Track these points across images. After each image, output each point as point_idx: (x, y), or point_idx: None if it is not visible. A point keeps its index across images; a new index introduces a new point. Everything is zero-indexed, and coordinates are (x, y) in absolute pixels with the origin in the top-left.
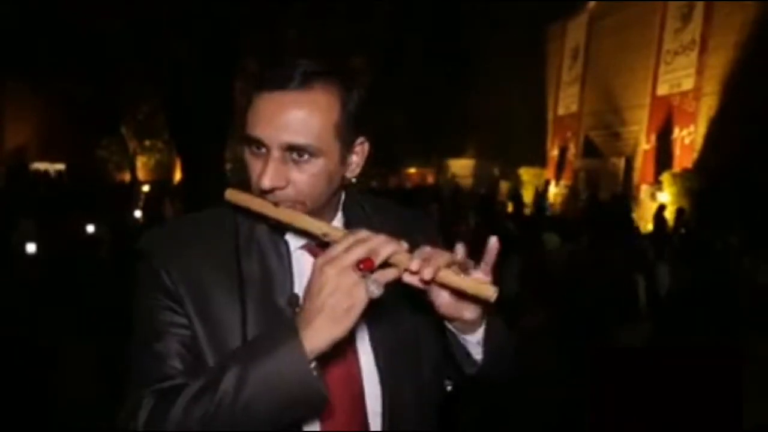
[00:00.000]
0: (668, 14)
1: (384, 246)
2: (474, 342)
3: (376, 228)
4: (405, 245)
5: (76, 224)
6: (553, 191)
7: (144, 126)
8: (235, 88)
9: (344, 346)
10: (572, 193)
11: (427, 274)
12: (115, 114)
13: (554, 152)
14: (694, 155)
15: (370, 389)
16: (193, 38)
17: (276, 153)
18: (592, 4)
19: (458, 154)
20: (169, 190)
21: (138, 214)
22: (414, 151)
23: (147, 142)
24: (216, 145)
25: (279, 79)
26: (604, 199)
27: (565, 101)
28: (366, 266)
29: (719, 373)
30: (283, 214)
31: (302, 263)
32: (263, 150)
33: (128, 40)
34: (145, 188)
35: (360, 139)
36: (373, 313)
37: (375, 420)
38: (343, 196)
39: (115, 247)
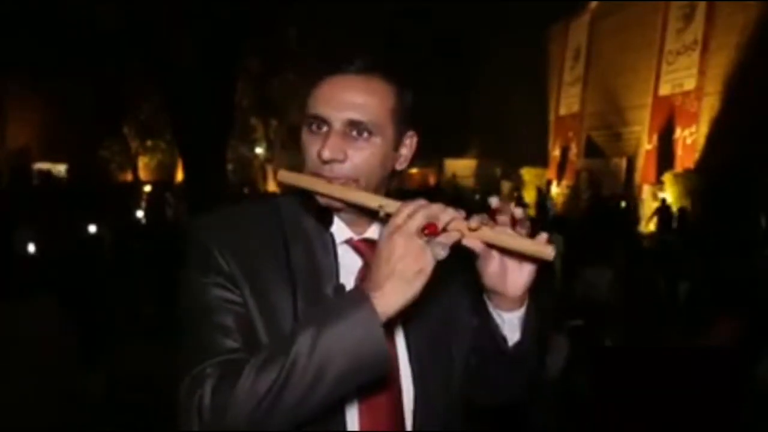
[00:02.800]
0: (670, 14)
1: (443, 212)
2: (512, 322)
3: None
4: (462, 212)
5: (78, 224)
6: (555, 191)
7: (146, 126)
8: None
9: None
10: (574, 194)
11: (487, 230)
12: (117, 114)
13: (556, 152)
14: (696, 155)
15: (403, 385)
16: (195, 38)
17: (337, 128)
18: (593, 4)
19: (460, 154)
20: (170, 190)
21: (140, 214)
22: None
23: (149, 142)
24: (218, 145)
25: (341, 64)
26: (606, 198)
27: (567, 101)
28: (431, 231)
29: (719, 373)
30: (336, 190)
31: (346, 257)
32: (324, 128)
33: (130, 41)
34: (147, 188)
35: (410, 132)
36: (408, 312)
37: (407, 418)
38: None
39: (117, 248)
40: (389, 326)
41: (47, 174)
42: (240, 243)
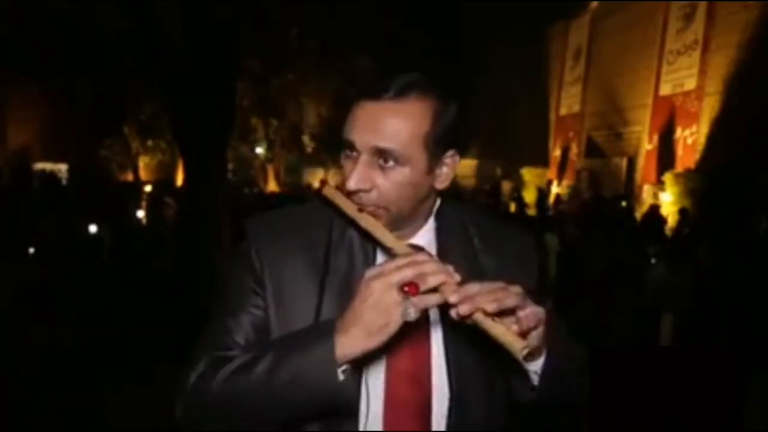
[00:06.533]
0: (671, 14)
1: (435, 274)
2: (531, 371)
3: (465, 241)
4: (457, 277)
5: (79, 224)
6: (556, 191)
7: (146, 126)
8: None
9: (418, 345)
10: (574, 194)
11: (463, 310)
12: (118, 114)
13: (556, 152)
14: (697, 155)
15: (438, 390)
16: (195, 38)
17: (365, 156)
18: (594, 4)
19: (460, 154)
20: (171, 190)
21: (140, 214)
22: None
23: (150, 142)
24: (218, 145)
25: (377, 89)
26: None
27: (568, 101)
28: (410, 290)
29: (719, 374)
30: (363, 220)
31: None
32: (355, 153)
33: (130, 41)
34: (148, 188)
35: (451, 152)
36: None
37: (440, 421)
38: (437, 203)
39: (117, 248)
40: (422, 326)
41: (47, 174)
42: (279, 247)
